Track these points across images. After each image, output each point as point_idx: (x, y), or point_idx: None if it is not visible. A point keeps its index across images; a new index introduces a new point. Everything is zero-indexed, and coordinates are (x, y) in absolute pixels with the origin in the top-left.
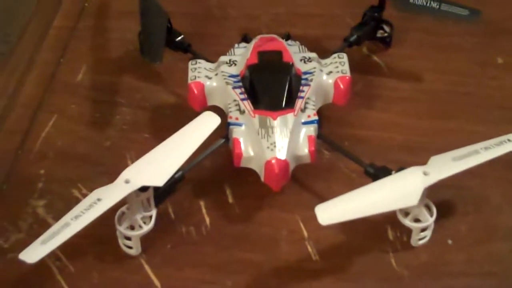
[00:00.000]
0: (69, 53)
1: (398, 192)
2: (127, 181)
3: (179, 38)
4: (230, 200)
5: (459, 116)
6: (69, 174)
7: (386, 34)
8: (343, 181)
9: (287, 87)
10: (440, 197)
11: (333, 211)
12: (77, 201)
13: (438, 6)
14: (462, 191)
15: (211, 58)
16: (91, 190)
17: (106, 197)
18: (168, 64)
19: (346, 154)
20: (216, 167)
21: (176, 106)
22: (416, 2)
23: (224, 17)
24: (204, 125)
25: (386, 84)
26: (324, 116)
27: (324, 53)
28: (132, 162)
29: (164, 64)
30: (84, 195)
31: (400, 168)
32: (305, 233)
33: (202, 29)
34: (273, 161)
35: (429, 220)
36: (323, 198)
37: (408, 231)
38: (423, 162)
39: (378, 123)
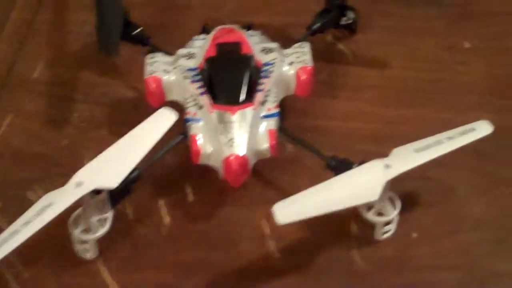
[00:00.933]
0: (26, 48)
1: (358, 187)
2: (79, 184)
3: (138, 30)
4: (191, 198)
5: (427, 104)
6: (24, 175)
7: (350, 21)
8: (308, 175)
9: (245, 80)
10: (404, 189)
11: (291, 210)
12: (31, 203)
13: None
14: (427, 181)
15: (173, 50)
16: (47, 192)
17: (57, 202)
18: (127, 57)
19: (307, 147)
20: (176, 163)
21: (135, 101)
22: None
23: (186, 6)
24: (160, 122)
25: (351, 72)
26: (287, 107)
27: (289, 42)
28: (90, 160)
29: (123, 58)
30: (40, 197)
31: (362, 161)
32: (268, 231)
33: (163, 19)
34: (232, 157)
35: (392, 213)
36: (287, 193)
37: (373, 225)
38: (389, 151)
39: (343, 113)
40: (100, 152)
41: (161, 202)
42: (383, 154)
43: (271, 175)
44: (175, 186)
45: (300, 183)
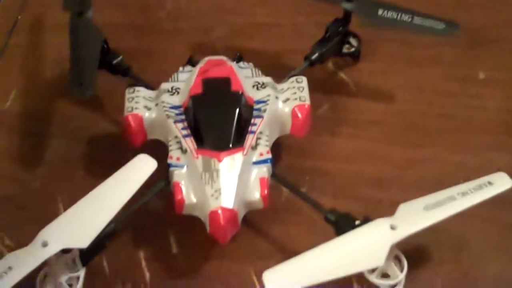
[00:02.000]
0: None
1: (361, 251)
2: (44, 244)
3: (117, 60)
4: (174, 249)
5: (435, 143)
6: None
7: (353, 49)
8: (304, 225)
9: (235, 122)
10: (412, 243)
11: (284, 278)
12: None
13: (410, 19)
14: (438, 234)
15: (158, 78)
16: (16, 241)
17: (19, 265)
18: (107, 86)
19: (304, 199)
20: (159, 210)
21: (115, 136)
22: (386, 15)
23: (174, 30)
24: (138, 171)
25: (353, 106)
26: (282, 145)
27: (284, 71)
28: (64, 205)
29: (102, 87)
30: (8, 247)
31: (365, 218)
32: None
33: (149, 44)
34: (219, 211)
35: (399, 276)
36: (280, 245)
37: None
38: (394, 198)
39: (344, 153)
40: (74, 195)
41: (142, 254)
42: (387, 202)
43: (262, 223)
44: (157, 236)
45: (294, 233)
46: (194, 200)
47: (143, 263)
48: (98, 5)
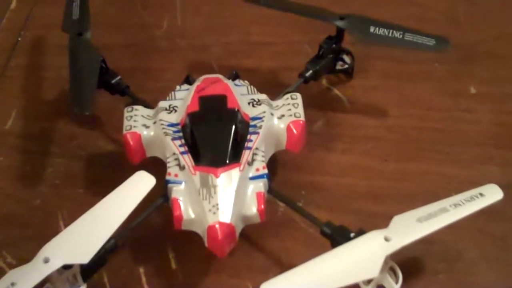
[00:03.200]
0: None
1: (356, 263)
2: (46, 260)
3: (116, 79)
4: (174, 265)
5: (428, 157)
6: None
7: (346, 66)
8: (300, 239)
9: (231, 139)
10: (406, 254)
11: None
12: (0, 272)
13: (401, 36)
14: (432, 245)
15: (155, 97)
16: (17, 258)
17: (22, 281)
18: (107, 105)
19: (300, 213)
20: (158, 226)
21: (114, 154)
22: (377, 32)
23: (171, 49)
24: (137, 188)
25: (347, 121)
26: (278, 160)
27: (279, 89)
28: (65, 222)
29: (102, 106)
30: (10, 265)
31: (359, 230)
32: None
33: (146, 63)
34: (217, 225)
35: (394, 287)
36: (277, 259)
37: None
38: (388, 211)
39: (339, 168)
40: (74, 212)
41: (141, 270)
42: (382, 215)
43: (259, 238)
44: (156, 252)
45: (291, 247)
46: (192, 215)
47: (143, 279)
48: (96, 26)
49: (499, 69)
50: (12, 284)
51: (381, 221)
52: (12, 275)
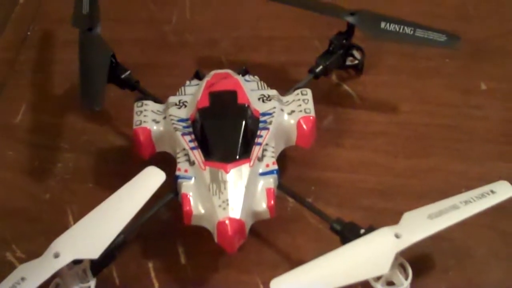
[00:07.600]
0: (8, 90)
1: (366, 259)
2: (56, 255)
3: (126, 74)
4: (183, 260)
5: (438, 153)
6: (2, 233)
7: (356, 62)
8: (310, 234)
9: (241, 134)
10: (416, 251)
11: (291, 287)
12: (10, 266)
13: (412, 32)
14: (441, 242)
15: (164, 92)
16: (26, 252)
17: (32, 276)
18: (116, 100)
19: (310, 209)
20: (168, 219)
21: (125, 150)
22: (388, 28)
23: (180, 43)
24: (147, 183)
25: (357, 117)
26: (288, 156)
27: (289, 84)
28: (74, 217)
29: (111, 101)
30: (19, 258)
31: (370, 227)
32: None
33: (156, 58)
34: (227, 221)
35: (404, 283)
36: (286, 255)
37: None
38: (398, 208)
39: (349, 164)
40: (84, 207)
41: (150, 265)
42: (391, 211)
43: (269, 234)
44: (166, 247)
45: (301, 243)
46: (202, 211)
47: (152, 274)
48: (106, 21)
49: (510, 65)
50: (22, 278)
51: (391, 218)
52: (22, 269)
